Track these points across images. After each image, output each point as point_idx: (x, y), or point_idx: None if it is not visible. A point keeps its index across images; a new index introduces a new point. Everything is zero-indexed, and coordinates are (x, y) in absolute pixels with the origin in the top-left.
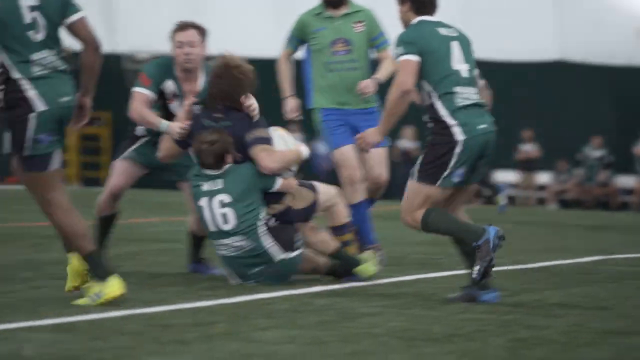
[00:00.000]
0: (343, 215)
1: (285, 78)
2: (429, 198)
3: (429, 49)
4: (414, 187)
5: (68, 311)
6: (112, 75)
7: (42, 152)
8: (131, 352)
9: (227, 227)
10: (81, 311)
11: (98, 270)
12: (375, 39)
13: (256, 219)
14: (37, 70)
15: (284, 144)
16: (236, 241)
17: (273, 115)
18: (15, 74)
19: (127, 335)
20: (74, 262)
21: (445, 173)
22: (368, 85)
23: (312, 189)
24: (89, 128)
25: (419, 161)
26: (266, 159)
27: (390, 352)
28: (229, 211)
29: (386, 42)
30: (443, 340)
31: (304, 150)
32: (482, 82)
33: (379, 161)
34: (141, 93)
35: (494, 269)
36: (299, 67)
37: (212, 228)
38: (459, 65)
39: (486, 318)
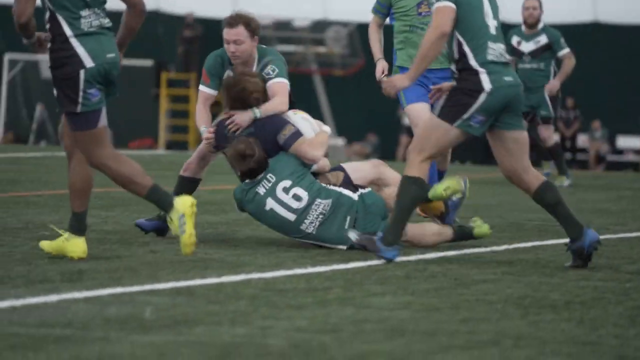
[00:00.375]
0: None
1: (374, 42)
2: (443, 137)
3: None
4: (433, 121)
5: (186, 275)
6: (202, 38)
7: (92, 108)
8: (247, 316)
9: (303, 203)
10: (199, 275)
11: (165, 200)
12: None
13: (318, 182)
14: (85, 28)
15: (309, 125)
16: (317, 207)
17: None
18: (66, 31)
19: (243, 299)
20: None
21: (466, 115)
22: None
23: (341, 169)
24: (178, 90)
25: (442, 102)
26: (309, 150)
27: (506, 318)
28: (296, 190)
29: None
30: (561, 308)
31: (328, 129)
32: (566, 51)
33: None
34: (202, 91)
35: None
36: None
37: (292, 217)
38: (489, 20)
39: (605, 285)
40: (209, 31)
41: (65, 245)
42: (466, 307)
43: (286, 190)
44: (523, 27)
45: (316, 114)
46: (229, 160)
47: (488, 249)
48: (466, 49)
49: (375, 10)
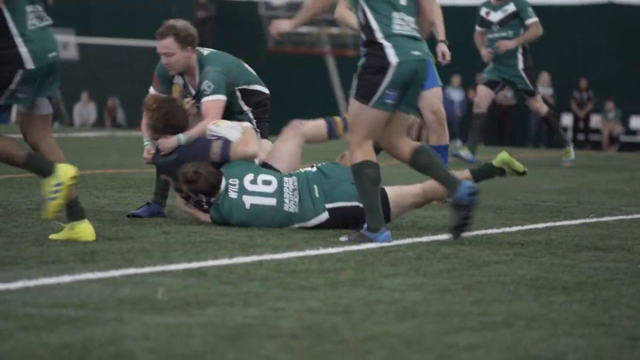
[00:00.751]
0: (317, 126)
1: (352, 19)
2: (368, 118)
3: None
4: (354, 104)
5: (198, 257)
6: (247, 22)
7: None
8: (259, 297)
9: (274, 184)
10: (211, 256)
11: (45, 166)
12: None
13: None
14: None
15: (234, 129)
16: (288, 184)
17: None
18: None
19: (255, 280)
20: None
21: (377, 94)
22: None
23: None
24: None
25: (354, 82)
26: (247, 149)
27: (518, 300)
28: (262, 177)
29: None
30: (573, 289)
31: (248, 124)
32: (533, 20)
33: (437, 97)
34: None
35: None
36: None
37: (273, 201)
38: None
39: (618, 267)
40: (223, 12)
41: (71, 234)
42: (478, 288)
43: (253, 181)
44: None
45: (329, 94)
46: (185, 192)
47: (500, 230)
48: (371, 19)
49: None
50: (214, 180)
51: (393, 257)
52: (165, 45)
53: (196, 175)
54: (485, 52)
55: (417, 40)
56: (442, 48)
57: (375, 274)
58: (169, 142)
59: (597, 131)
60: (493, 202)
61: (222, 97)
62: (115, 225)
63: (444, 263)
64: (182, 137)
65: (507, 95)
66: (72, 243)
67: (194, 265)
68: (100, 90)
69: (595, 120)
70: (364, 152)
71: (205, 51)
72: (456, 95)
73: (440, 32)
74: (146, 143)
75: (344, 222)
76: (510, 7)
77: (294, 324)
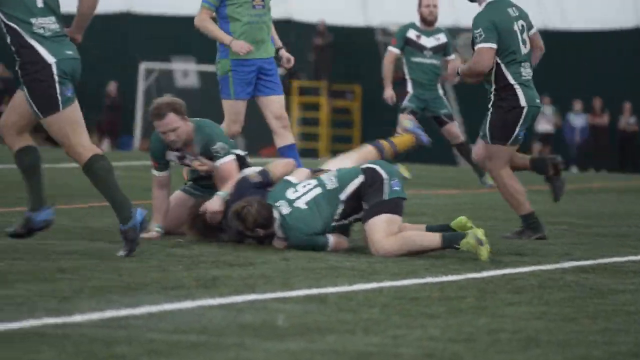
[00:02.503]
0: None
1: (217, 30)
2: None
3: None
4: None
5: (318, 283)
6: (363, 49)
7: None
8: (379, 324)
9: (312, 182)
10: (330, 283)
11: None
12: None
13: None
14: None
15: (251, 170)
16: (325, 178)
17: None
18: None
19: (375, 307)
20: None
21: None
22: None
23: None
24: (309, 97)
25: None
26: (281, 164)
27: None
28: (299, 184)
29: None
30: None
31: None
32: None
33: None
34: (155, 177)
35: None
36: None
37: (319, 189)
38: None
39: None
40: (340, 39)
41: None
42: (603, 317)
43: (294, 191)
44: (419, 24)
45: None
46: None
47: (625, 258)
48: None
49: (205, 2)
50: (265, 208)
51: (515, 285)
52: (168, 122)
53: (246, 209)
54: (389, 90)
55: (64, 38)
56: (285, 54)
57: (497, 302)
58: (215, 203)
59: None
60: (617, 230)
61: (234, 156)
62: (236, 251)
63: (566, 291)
64: (222, 194)
65: (629, 122)
66: (193, 268)
67: (314, 291)
68: (222, 117)
69: None
70: (93, 149)
71: (192, 119)
72: (578, 120)
73: (277, 39)
74: (157, 229)
75: (374, 180)
76: (442, 37)
77: (414, 351)
